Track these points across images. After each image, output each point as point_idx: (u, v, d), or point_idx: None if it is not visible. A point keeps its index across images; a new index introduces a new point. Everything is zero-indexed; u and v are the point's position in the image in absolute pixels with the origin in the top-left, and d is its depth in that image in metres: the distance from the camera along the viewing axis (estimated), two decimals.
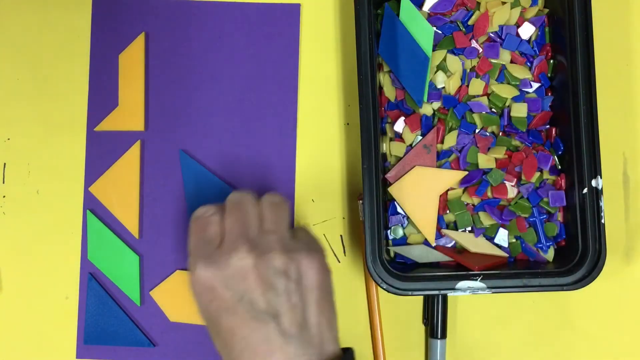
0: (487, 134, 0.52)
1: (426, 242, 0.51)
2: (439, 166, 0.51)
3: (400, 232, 0.52)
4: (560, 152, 0.51)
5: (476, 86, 0.52)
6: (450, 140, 0.51)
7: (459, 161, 0.51)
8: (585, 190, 0.49)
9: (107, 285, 0.54)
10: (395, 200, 0.51)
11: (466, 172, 0.51)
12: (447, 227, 0.52)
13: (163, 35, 0.55)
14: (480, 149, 0.51)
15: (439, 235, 0.51)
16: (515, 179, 0.51)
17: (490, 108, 0.52)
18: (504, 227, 0.51)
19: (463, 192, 0.51)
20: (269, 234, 0.44)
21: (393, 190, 0.51)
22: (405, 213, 0.51)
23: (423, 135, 0.52)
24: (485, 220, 0.51)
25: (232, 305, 0.41)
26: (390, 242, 0.52)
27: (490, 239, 0.51)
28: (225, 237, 0.43)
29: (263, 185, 0.54)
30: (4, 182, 0.55)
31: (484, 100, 0.52)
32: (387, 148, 0.52)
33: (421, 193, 0.51)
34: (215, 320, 0.42)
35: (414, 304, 0.54)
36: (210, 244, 0.44)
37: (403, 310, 0.54)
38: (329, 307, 0.44)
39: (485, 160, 0.51)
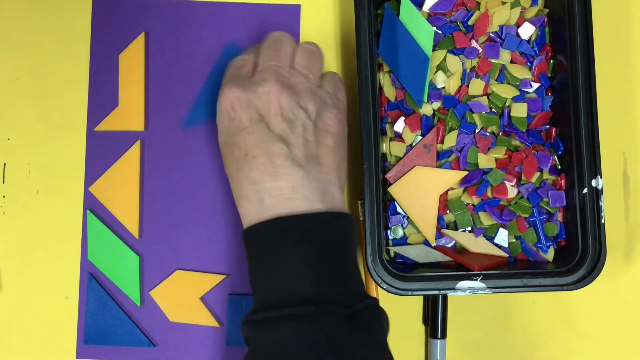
0: (487, 134, 0.52)
1: (426, 242, 0.51)
2: (439, 166, 0.51)
3: (400, 232, 0.52)
4: (560, 152, 0.51)
5: (476, 86, 0.52)
6: (450, 140, 0.51)
7: (459, 161, 0.51)
8: (585, 190, 0.49)
9: (107, 285, 0.54)
10: (395, 201, 0.51)
11: (466, 172, 0.51)
12: (447, 227, 0.52)
13: (163, 35, 0.55)
14: (480, 149, 0.51)
15: (439, 235, 0.51)
16: (515, 179, 0.51)
17: (490, 108, 0.52)
18: (504, 227, 0.51)
19: (463, 192, 0.51)
20: (299, 75, 0.47)
21: (393, 190, 0.51)
22: (405, 213, 0.51)
23: (423, 135, 0.52)
24: (485, 220, 0.51)
25: (250, 125, 0.44)
26: (390, 242, 0.52)
27: (490, 239, 0.51)
28: (257, 69, 0.47)
29: None
30: (4, 182, 0.55)
31: (484, 100, 0.52)
32: (387, 148, 0.52)
33: (421, 193, 0.51)
34: (232, 139, 0.45)
35: (414, 304, 0.54)
36: (242, 68, 0.47)
37: (403, 310, 0.54)
38: (340, 155, 0.46)
39: (485, 160, 0.51)
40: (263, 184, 0.43)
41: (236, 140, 0.44)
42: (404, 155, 0.52)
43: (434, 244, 0.51)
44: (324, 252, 0.42)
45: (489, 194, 0.51)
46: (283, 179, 0.43)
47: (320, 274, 0.42)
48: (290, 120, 0.44)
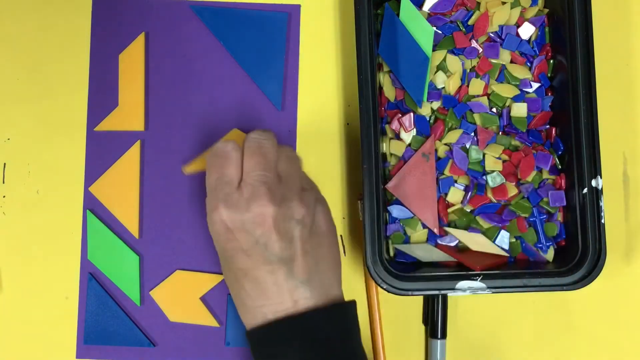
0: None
1: (429, 241, 0.51)
2: (438, 176, 0.51)
3: (401, 238, 0.51)
4: (560, 152, 0.51)
5: (476, 86, 0.52)
6: (452, 137, 0.51)
7: (457, 166, 0.51)
8: (585, 190, 0.49)
9: (107, 285, 0.54)
10: (390, 206, 0.51)
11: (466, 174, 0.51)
12: (449, 227, 0.52)
13: (163, 35, 0.55)
14: (480, 142, 0.51)
15: (440, 235, 0.51)
16: (516, 179, 0.51)
17: (491, 108, 0.52)
18: (505, 228, 0.51)
19: (463, 201, 0.51)
20: (287, 183, 0.45)
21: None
22: (404, 206, 0.51)
23: (419, 134, 0.52)
24: (485, 223, 0.51)
25: (248, 247, 0.43)
26: (390, 242, 0.52)
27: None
28: (245, 180, 0.44)
29: None
30: (4, 182, 0.55)
31: (484, 100, 0.52)
32: (387, 148, 0.52)
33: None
34: (230, 258, 0.44)
35: (414, 304, 0.54)
36: (229, 185, 0.44)
37: (403, 310, 0.54)
38: (336, 252, 0.46)
39: (492, 163, 0.51)
40: (265, 302, 0.43)
41: (234, 260, 0.44)
42: (403, 155, 0.52)
43: (437, 231, 0.51)
44: (328, 351, 0.43)
45: (489, 195, 0.51)
46: (286, 296, 0.43)
47: None
48: (288, 236, 0.43)
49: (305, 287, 0.43)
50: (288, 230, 0.43)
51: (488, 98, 0.52)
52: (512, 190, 0.51)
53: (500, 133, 0.52)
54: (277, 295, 0.43)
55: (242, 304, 0.44)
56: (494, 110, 0.52)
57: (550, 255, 0.51)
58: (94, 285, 0.54)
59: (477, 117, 0.52)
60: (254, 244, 0.43)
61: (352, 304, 0.45)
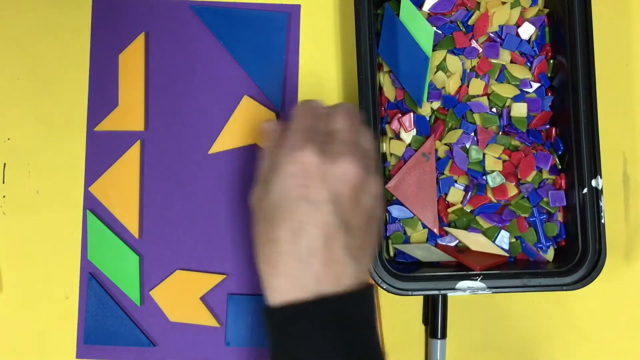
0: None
1: (429, 241, 0.51)
2: (438, 176, 0.51)
3: (401, 238, 0.51)
4: (560, 152, 0.51)
5: (476, 86, 0.52)
6: (452, 137, 0.51)
7: (457, 166, 0.51)
8: (585, 190, 0.49)
9: (107, 285, 0.54)
10: (392, 205, 0.51)
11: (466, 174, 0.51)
12: (449, 226, 0.52)
13: (163, 35, 0.55)
14: (480, 142, 0.51)
15: (440, 235, 0.51)
16: (516, 179, 0.51)
17: (491, 108, 0.52)
18: (505, 228, 0.51)
19: (463, 201, 0.51)
20: (370, 157, 0.43)
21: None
22: (405, 207, 0.51)
23: (419, 134, 0.52)
24: (485, 223, 0.51)
25: (319, 200, 0.40)
26: (390, 242, 0.52)
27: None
28: (337, 136, 0.42)
29: None
30: (4, 182, 0.55)
31: (484, 100, 0.52)
32: (387, 148, 0.52)
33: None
34: (290, 206, 0.40)
35: (414, 304, 0.54)
36: (322, 135, 0.42)
37: (403, 310, 0.54)
38: (377, 238, 0.44)
39: (492, 163, 0.51)
40: (310, 266, 0.40)
41: (296, 209, 0.40)
42: (403, 155, 0.52)
43: (437, 231, 0.51)
44: (353, 336, 0.40)
45: (489, 195, 0.51)
46: (332, 267, 0.40)
47: (349, 358, 0.40)
48: (359, 207, 0.41)
49: (352, 267, 0.40)
50: (361, 201, 0.41)
51: (488, 98, 0.52)
52: (512, 190, 0.51)
53: (500, 133, 0.52)
54: (325, 262, 0.40)
55: (280, 263, 0.40)
56: (494, 110, 0.52)
57: (550, 255, 0.51)
58: (94, 285, 0.54)
59: (477, 117, 0.52)
60: (327, 199, 0.40)
61: (372, 285, 0.43)
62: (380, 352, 0.42)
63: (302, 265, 0.40)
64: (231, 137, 0.54)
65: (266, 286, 0.41)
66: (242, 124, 0.54)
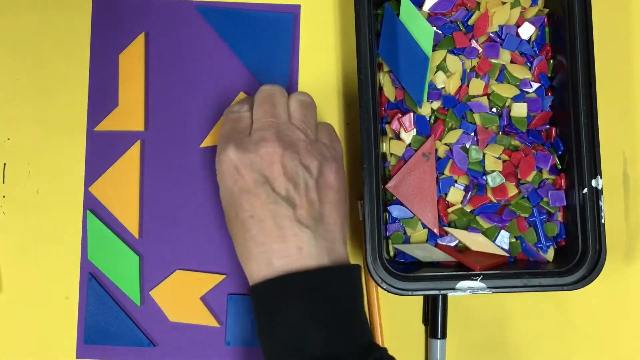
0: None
1: (429, 241, 0.51)
2: (438, 176, 0.51)
3: (400, 238, 0.51)
4: (560, 152, 0.51)
5: (476, 86, 0.52)
6: (452, 137, 0.51)
7: (457, 166, 0.51)
8: (585, 190, 0.49)
9: (107, 285, 0.54)
10: (391, 206, 0.51)
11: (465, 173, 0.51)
12: (449, 226, 0.52)
13: (163, 35, 0.55)
14: (480, 142, 0.51)
15: (440, 235, 0.51)
16: (516, 179, 0.51)
17: (491, 108, 0.52)
18: (505, 228, 0.51)
19: (463, 201, 0.51)
20: (297, 129, 0.46)
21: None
22: (405, 206, 0.51)
23: (419, 134, 0.52)
24: (485, 223, 0.51)
25: (254, 187, 0.44)
26: (390, 242, 0.52)
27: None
28: (254, 127, 0.46)
29: None
30: (4, 182, 0.55)
31: (484, 100, 0.52)
32: (387, 148, 0.52)
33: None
34: (236, 201, 0.44)
35: (414, 304, 0.54)
36: (241, 132, 0.46)
37: (403, 310, 0.54)
38: (343, 211, 0.46)
39: (492, 163, 0.51)
40: (270, 246, 0.43)
41: (240, 202, 0.44)
42: (403, 155, 0.52)
43: (437, 231, 0.51)
44: (332, 309, 0.43)
45: (489, 195, 0.51)
46: (290, 241, 0.43)
47: (330, 331, 0.42)
48: (294, 180, 0.44)
49: (310, 235, 0.43)
50: (294, 174, 0.44)
51: (488, 98, 0.52)
52: (512, 190, 0.51)
53: (500, 133, 0.52)
54: (281, 238, 0.43)
55: (247, 252, 0.44)
56: (494, 110, 0.52)
57: (550, 255, 0.51)
58: (94, 285, 0.54)
59: (477, 117, 0.52)
60: (261, 183, 0.44)
61: (358, 267, 0.45)
62: (366, 327, 0.44)
63: (264, 248, 0.43)
64: None
65: (246, 273, 0.45)
66: None
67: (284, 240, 0.43)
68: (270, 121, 0.46)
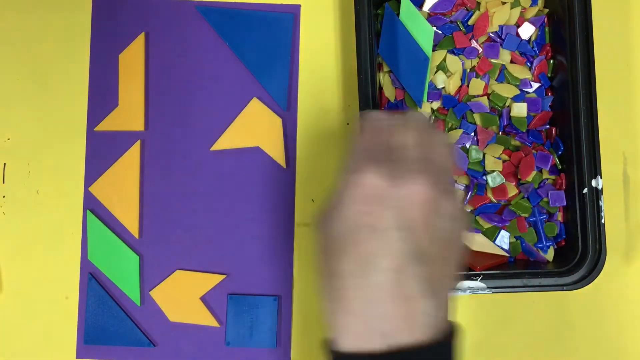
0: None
1: None
2: None
3: None
4: (560, 152, 0.51)
5: (476, 86, 0.52)
6: (452, 137, 0.51)
7: (457, 166, 0.51)
8: (585, 190, 0.49)
9: (107, 285, 0.54)
10: None
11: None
12: None
13: (163, 35, 0.55)
14: (480, 141, 0.51)
15: None
16: (516, 179, 0.51)
17: (491, 107, 0.52)
18: (505, 228, 0.51)
19: (463, 201, 0.51)
20: (443, 173, 0.37)
21: None
22: None
23: None
24: (485, 223, 0.51)
25: (383, 228, 0.34)
26: None
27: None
28: (406, 153, 0.37)
29: (263, 185, 0.54)
30: (4, 182, 0.55)
31: (484, 100, 0.52)
32: None
33: None
34: (352, 234, 0.35)
35: None
36: (387, 152, 0.37)
37: None
38: (457, 270, 0.38)
39: (492, 163, 0.51)
40: (382, 307, 0.34)
41: (359, 240, 0.34)
42: None
43: None
44: None
45: (489, 195, 0.51)
46: (407, 307, 0.34)
47: None
48: (434, 233, 0.35)
49: (428, 301, 0.34)
50: (436, 225, 0.35)
51: (488, 98, 0.52)
52: (512, 190, 0.51)
53: (500, 133, 0.52)
54: (398, 303, 0.34)
55: (348, 309, 0.35)
56: (495, 109, 0.52)
57: (550, 255, 0.51)
58: (94, 285, 0.54)
59: (477, 117, 0.52)
60: (395, 227, 0.34)
61: (458, 330, 0.37)
62: None
63: (370, 304, 0.34)
64: (235, 137, 0.54)
65: (331, 324, 0.36)
66: (246, 125, 0.54)
67: (399, 303, 0.34)
68: (425, 154, 0.37)
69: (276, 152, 0.54)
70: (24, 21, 0.56)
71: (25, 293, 0.54)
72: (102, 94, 0.55)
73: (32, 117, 0.55)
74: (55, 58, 0.55)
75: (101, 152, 0.55)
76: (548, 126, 0.52)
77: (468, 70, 0.52)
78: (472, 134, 0.52)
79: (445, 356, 0.35)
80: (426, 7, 0.52)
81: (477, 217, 0.51)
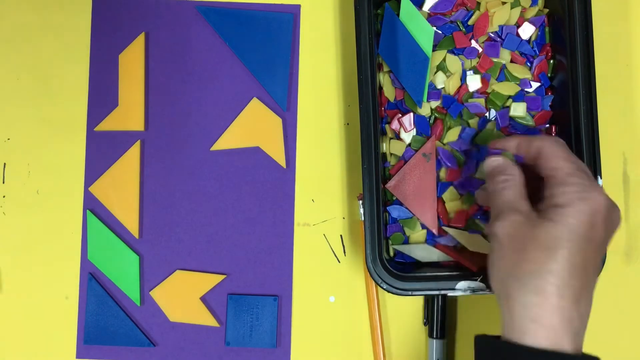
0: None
1: (428, 241, 0.51)
2: (438, 175, 0.51)
3: (401, 238, 0.51)
4: None
5: (475, 82, 0.52)
6: (452, 136, 0.51)
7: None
8: None
9: (107, 285, 0.54)
10: (392, 206, 0.51)
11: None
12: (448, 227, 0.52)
13: (163, 35, 0.55)
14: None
15: (440, 235, 0.51)
16: None
17: (490, 108, 0.52)
18: None
19: (460, 199, 0.51)
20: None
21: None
22: (404, 206, 0.51)
23: (419, 133, 0.52)
24: (485, 224, 0.51)
25: (603, 243, 0.40)
26: (390, 242, 0.52)
27: None
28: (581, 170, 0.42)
29: (262, 185, 0.54)
30: (4, 182, 0.55)
31: (481, 101, 0.52)
32: (387, 148, 0.52)
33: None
34: (585, 248, 0.39)
35: (414, 304, 0.54)
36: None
37: (403, 310, 0.54)
38: None
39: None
40: (545, 310, 0.39)
41: (587, 254, 0.39)
42: (403, 155, 0.52)
43: (436, 232, 0.51)
44: None
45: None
46: (578, 309, 0.41)
47: None
48: (600, 244, 0.41)
49: (576, 313, 0.41)
50: (602, 236, 0.40)
51: (488, 97, 0.52)
52: None
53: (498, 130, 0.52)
54: (557, 309, 0.39)
55: (540, 314, 0.39)
56: (492, 111, 0.52)
57: None
58: (94, 285, 0.54)
59: (472, 123, 0.52)
60: (604, 241, 0.40)
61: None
62: None
63: (566, 307, 0.40)
64: (235, 137, 0.54)
65: (507, 317, 0.40)
66: (246, 125, 0.55)
67: (558, 309, 0.40)
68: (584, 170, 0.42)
69: (276, 152, 0.54)
70: (24, 21, 0.56)
71: (25, 293, 0.54)
72: (102, 94, 0.55)
73: (32, 117, 0.55)
74: (55, 58, 0.55)
75: (101, 152, 0.55)
76: (548, 126, 0.52)
77: (468, 70, 0.52)
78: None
79: None
80: (426, 7, 0.52)
81: (477, 219, 0.51)
